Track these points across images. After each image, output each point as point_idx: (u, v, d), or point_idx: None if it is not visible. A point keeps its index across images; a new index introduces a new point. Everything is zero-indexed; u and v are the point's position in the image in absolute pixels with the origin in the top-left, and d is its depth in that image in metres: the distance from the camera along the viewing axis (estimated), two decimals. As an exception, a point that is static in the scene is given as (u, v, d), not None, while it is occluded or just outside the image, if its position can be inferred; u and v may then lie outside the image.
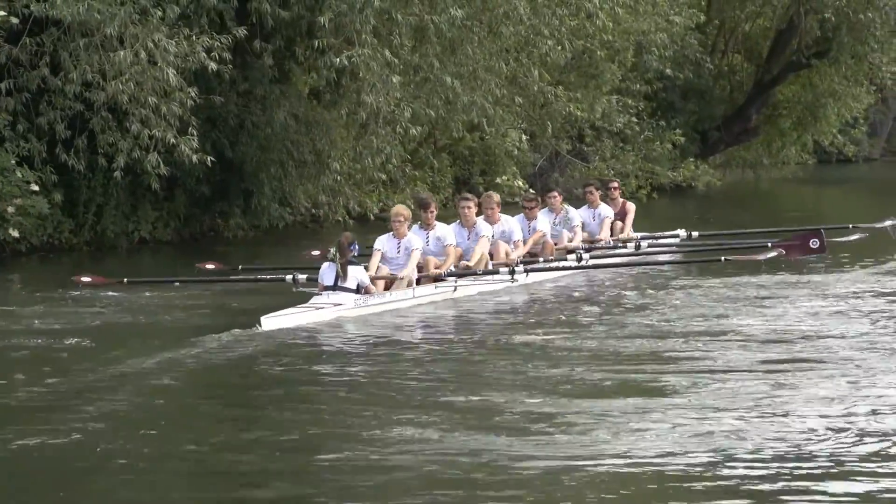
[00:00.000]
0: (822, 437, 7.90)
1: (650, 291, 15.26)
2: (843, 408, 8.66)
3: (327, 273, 13.67)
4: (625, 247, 18.15)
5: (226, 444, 8.21)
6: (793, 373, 9.87)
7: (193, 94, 18.68)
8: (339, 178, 23.44)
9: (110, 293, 14.87)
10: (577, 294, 15.61)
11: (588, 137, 34.88)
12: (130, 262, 19.55)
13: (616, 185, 19.86)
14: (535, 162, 33.81)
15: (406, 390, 9.70)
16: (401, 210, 14.85)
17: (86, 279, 14.96)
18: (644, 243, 18.37)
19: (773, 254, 16.08)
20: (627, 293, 15.28)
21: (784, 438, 7.89)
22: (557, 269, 16.53)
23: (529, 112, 29.02)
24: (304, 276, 14.61)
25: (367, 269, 14.05)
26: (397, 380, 10.10)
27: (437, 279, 14.85)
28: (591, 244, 18.06)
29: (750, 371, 9.98)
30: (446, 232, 15.23)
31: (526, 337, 12.14)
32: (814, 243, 16.01)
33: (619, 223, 18.86)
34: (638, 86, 35.54)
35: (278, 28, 21.11)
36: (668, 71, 37.01)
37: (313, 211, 25.24)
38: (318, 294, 13.66)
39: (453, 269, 15.12)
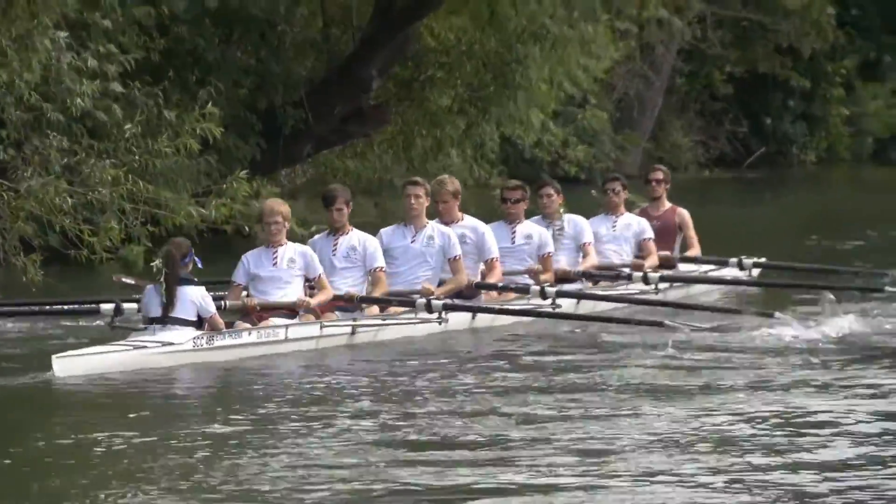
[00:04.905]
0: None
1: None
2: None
3: (153, 300, 11.19)
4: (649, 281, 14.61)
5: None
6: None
7: None
8: None
9: None
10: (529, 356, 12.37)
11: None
12: None
13: (661, 175, 15.94)
14: None
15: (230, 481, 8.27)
16: (275, 206, 12.11)
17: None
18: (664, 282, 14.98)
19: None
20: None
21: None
22: (509, 312, 13.33)
23: None
24: (126, 306, 12.00)
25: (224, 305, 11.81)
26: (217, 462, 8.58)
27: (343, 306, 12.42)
28: (601, 273, 14.76)
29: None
30: (369, 242, 12.53)
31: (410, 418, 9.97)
32: None
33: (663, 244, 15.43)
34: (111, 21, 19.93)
35: None
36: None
37: None
38: (140, 329, 11.35)
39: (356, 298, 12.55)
